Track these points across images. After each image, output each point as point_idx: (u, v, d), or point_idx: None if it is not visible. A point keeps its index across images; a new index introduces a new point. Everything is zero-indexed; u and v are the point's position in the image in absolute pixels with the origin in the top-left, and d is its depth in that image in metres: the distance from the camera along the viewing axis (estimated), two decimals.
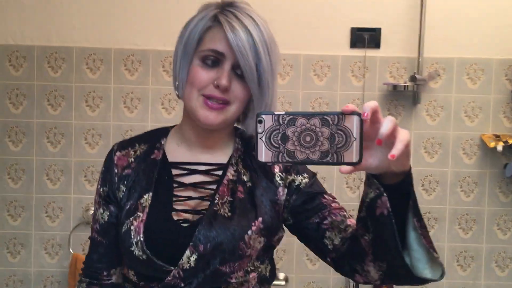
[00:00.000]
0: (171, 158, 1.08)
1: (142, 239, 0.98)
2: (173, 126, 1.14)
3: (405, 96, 2.14)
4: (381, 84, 2.13)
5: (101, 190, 1.10)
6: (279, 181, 1.05)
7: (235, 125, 1.12)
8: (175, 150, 1.09)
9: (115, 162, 1.09)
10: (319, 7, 2.13)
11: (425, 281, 0.85)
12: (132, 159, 1.09)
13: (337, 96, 2.14)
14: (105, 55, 2.13)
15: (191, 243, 0.97)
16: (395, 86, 2.09)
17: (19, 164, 2.14)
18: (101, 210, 1.10)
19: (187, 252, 0.97)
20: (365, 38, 2.12)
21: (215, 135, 1.07)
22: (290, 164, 0.92)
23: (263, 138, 0.75)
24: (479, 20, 2.12)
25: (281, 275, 2.16)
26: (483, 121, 2.14)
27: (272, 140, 0.75)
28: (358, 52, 2.13)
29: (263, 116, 0.75)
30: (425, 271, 0.85)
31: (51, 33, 2.13)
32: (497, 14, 2.12)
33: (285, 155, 0.75)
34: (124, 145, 1.12)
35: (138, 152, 1.10)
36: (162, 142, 1.10)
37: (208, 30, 1.01)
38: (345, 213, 1.02)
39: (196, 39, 1.01)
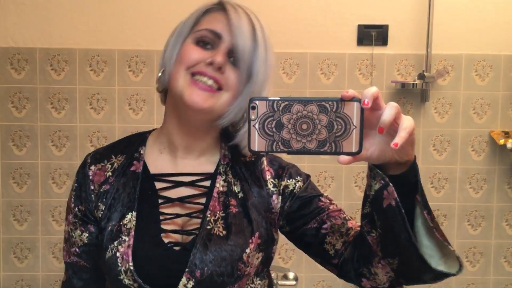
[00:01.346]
0: (152, 169, 0.98)
1: (131, 267, 0.89)
2: (150, 131, 1.05)
3: (413, 94, 2.12)
4: (389, 82, 2.11)
5: (76, 209, 0.98)
6: (272, 189, 0.98)
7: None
8: (156, 160, 0.99)
9: (91, 177, 0.98)
10: (325, 4, 2.10)
11: (441, 275, 0.79)
12: (110, 173, 0.98)
13: None
14: (109, 57, 2.09)
15: (187, 269, 0.89)
16: (403, 84, 2.07)
17: (23, 169, 2.11)
18: (79, 232, 0.98)
19: (183, 280, 0.89)
20: (372, 35, 2.09)
21: (202, 138, 0.99)
22: (285, 153, 0.89)
23: (256, 126, 0.70)
24: (487, 16, 2.10)
25: (291, 275, 2.16)
26: (491, 118, 2.13)
27: (266, 128, 0.70)
28: (365, 50, 2.11)
29: (256, 101, 0.70)
30: (439, 267, 0.79)
31: (52, 35, 2.09)
32: (505, 10, 2.09)
33: (279, 143, 0.70)
34: (98, 157, 1.01)
35: (115, 165, 0.99)
36: (141, 152, 1.00)
37: (208, 12, 0.96)
38: (345, 215, 0.97)
39: (194, 18, 0.96)
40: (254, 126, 0.70)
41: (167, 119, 1.00)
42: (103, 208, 0.96)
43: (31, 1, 2.08)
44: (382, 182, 0.76)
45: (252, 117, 0.70)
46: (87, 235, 0.98)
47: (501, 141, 2.06)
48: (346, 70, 2.12)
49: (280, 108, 0.70)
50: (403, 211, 0.76)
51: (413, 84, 2.05)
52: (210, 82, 0.91)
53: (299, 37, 2.10)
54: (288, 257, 2.17)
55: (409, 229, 0.76)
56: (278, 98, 0.70)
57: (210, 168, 1.00)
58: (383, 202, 0.77)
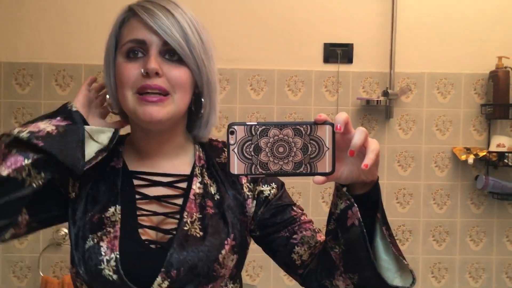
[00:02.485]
0: (131, 167, 0.99)
1: (118, 256, 0.89)
2: (127, 135, 1.05)
3: (378, 110, 2.16)
4: (355, 99, 2.15)
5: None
6: (247, 193, 1.00)
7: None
8: (134, 160, 1.00)
9: None
10: (292, 23, 2.14)
11: None
12: None
13: (311, 111, 2.14)
14: (75, 71, 2.08)
15: (163, 269, 0.89)
16: (368, 101, 2.11)
17: None
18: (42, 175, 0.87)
19: (158, 279, 0.88)
20: (338, 53, 2.14)
21: (169, 140, 0.98)
22: (264, 176, 0.90)
23: (236, 150, 0.73)
24: (448, 36, 2.17)
25: None
26: (454, 135, 2.19)
27: (244, 152, 0.73)
28: (331, 67, 2.15)
29: (235, 127, 0.73)
30: (396, 280, 0.84)
31: (18, 48, 2.07)
32: (465, 29, 2.17)
33: (258, 166, 0.73)
34: None
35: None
36: (120, 150, 1.00)
37: (123, 25, 0.94)
38: (314, 228, 1.00)
39: (114, 36, 0.94)
40: (233, 150, 0.73)
41: (132, 129, 1.01)
42: (75, 190, 0.95)
43: None
44: (348, 202, 0.81)
45: (231, 141, 0.73)
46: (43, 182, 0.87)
47: (463, 157, 2.11)
48: (312, 87, 2.15)
49: (258, 133, 0.73)
50: (364, 230, 0.81)
51: (377, 101, 2.10)
52: (155, 92, 0.90)
53: (266, 54, 2.14)
54: (256, 274, 2.16)
55: (369, 248, 0.81)
56: (256, 123, 0.73)
57: (186, 170, 1.00)
58: (347, 221, 0.82)
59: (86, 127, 0.91)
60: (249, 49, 2.12)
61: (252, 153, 0.73)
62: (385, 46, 2.15)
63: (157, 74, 0.89)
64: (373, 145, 0.76)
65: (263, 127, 0.73)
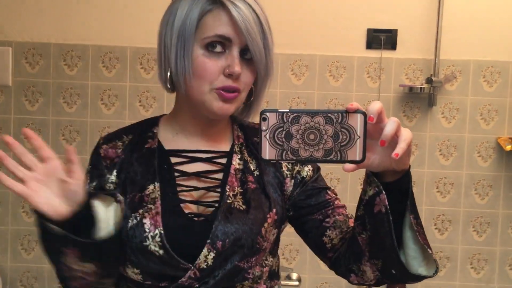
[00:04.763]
0: (167, 146, 1.01)
1: (162, 232, 0.91)
2: (160, 116, 1.07)
3: (421, 98, 2.13)
4: (397, 86, 2.12)
5: (88, 187, 0.99)
6: (286, 172, 1.02)
7: None
8: (171, 140, 1.02)
9: (102, 155, 1.00)
10: (335, 7, 2.13)
11: (419, 278, 0.87)
12: (121, 150, 1.00)
13: (352, 97, 2.13)
14: (121, 54, 2.13)
15: (209, 241, 0.91)
16: (411, 88, 2.08)
17: None
18: None
19: (204, 251, 0.91)
20: (382, 39, 2.11)
21: (215, 124, 1.02)
22: (294, 162, 0.92)
23: (267, 136, 0.75)
24: (496, 23, 2.11)
25: (294, 275, 2.16)
26: (499, 124, 2.13)
27: (276, 138, 0.75)
28: (374, 53, 2.13)
29: (267, 113, 0.75)
30: (420, 268, 0.86)
31: (67, 30, 2.13)
32: None
33: (289, 152, 0.75)
34: (110, 137, 1.03)
35: (126, 142, 1.01)
36: (155, 131, 1.02)
37: (208, 13, 0.92)
38: (347, 213, 1.02)
39: (195, 24, 0.91)
40: (265, 136, 0.75)
41: (180, 108, 1.02)
42: (113, 180, 0.99)
43: None
44: (376, 189, 0.83)
45: (263, 127, 0.75)
46: None
47: (508, 147, 2.06)
48: (354, 73, 2.14)
49: (289, 120, 0.74)
50: (390, 218, 0.82)
51: (420, 88, 2.07)
52: (234, 92, 0.94)
53: (309, 39, 2.13)
54: (292, 257, 2.18)
55: (393, 236, 0.83)
56: (287, 110, 0.75)
57: (225, 147, 1.03)
58: (374, 208, 0.84)
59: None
60: (290, 34, 2.12)
61: (283, 140, 0.75)
62: (430, 32, 2.10)
63: (238, 77, 0.93)
64: (405, 134, 0.76)
65: (295, 114, 0.74)
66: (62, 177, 0.83)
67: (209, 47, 0.92)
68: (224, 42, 0.92)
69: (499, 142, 2.11)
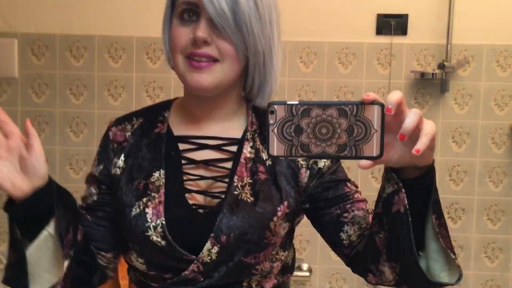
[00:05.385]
0: (176, 132, 0.97)
1: (164, 222, 0.88)
2: (174, 99, 1.04)
3: (432, 84, 2.08)
4: (408, 72, 2.08)
5: (95, 169, 0.99)
6: (301, 162, 0.95)
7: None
8: (180, 124, 0.98)
9: (111, 138, 0.99)
10: None
11: (440, 285, 0.79)
12: (130, 133, 0.98)
13: (362, 85, 2.09)
14: (127, 44, 2.10)
15: (212, 234, 0.88)
16: (422, 74, 2.04)
17: None
18: (92, 190, 0.98)
19: (208, 244, 0.88)
20: (392, 24, 2.06)
21: (221, 106, 0.96)
22: (305, 158, 0.86)
23: (275, 130, 0.69)
24: (509, 6, 2.05)
25: (305, 266, 2.14)
26: None
27: (284, 132, 0.69)
28: (384, 39, 2.08)
29: (275, 106, 0.69)
30: (442, 273, 0.79)
31: (72, 21, 2.11)
32: None
33: (299, 148, 0.69)
34: (121, 120, 1.01)
35: (136, 126, 0.99)
36: (166, 115, 0.99)
37: None
38: (367, 207, 0.95)
39: None
40: (273, 130, 0.70)
41: (184, 92, 1.00)
42: (120, 165, 0.96)
43: None
44: (395, 186, 0.76)
45: (271, 121, 0.69)
46: (97, 193, 0.98)
47: None
48: (364, 60, 2.09)
49: (299, 113, 0.69)
50: (410, 219, 0.76)
51: (432, 74, 2.02)
52: (203, 59, 0.88)
53: (317, 26, 2.09)
54: (303, 248, 2.16)
55: (412, 239, 0.76)
56: (297, 102, 0.69)
57: (237, 134, 0.97)
58: (392, 207, 0.77)
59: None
60: (298, 21, 2.08)
61: (293, 134, 0.69)
62: (442, 16, 2.05)
63: (205, 42, 0.86)
64: (428, 127, 0.69)
65: (305, 106, 0.69)
66: (23, 153, 0.80)
67: (184, 16, 0.89)
68: (193, 9, 0.88)
69: None
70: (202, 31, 0.86)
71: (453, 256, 0.78)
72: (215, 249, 0.88)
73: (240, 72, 0.92)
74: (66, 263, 0.85)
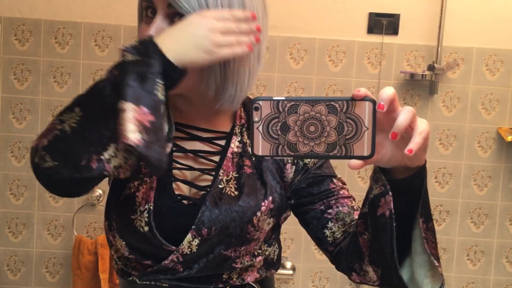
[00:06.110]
0: (173, 117, 0.91)
1: (152, 208, 0.86)
2: None
3: (422, 85, 2.08)
4: (398, 72, 2.07)
5: None
6: None
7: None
8: (173, 110, 0.91)
9: None
10: None
11: None
12: None
13: (352, 83, 2.08)
14: (115, 32, 2.06)
15: (193, 226, 0.86)
16: (412, 75, 2.04)
17: (23, 142, 2.08)
18: None
19: (188, 236, 0.86)
20: (383, 24, 2.06)
21: (203, 104, 0.90)
22: (292, 158, 0.82)
23: (260, 128, 0.65)
24: (500, 10, 2.06)
25: (288, 264, 2.13)
26: (500, 114, 2.09)
27: (270, 130, 0.65)
28: (375, 38, 2.07)
29: (260, 102, 0.64)
30: (425, 279, 0.76)
31: (58, 6, 2.05)
32: None
33: (285, 147, 0.65)
34: None
35: None
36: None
37: None
38: (353, 204, 0.93)
39: None
40: (257, 128, 0.65)
41: None
42: None
43: None
44: (383, 188, 0.72)
45: (256, 119, 0.65)
46: None
47: (509, 138, 2.02)
48: (354, 58, 2.08)
49: (286, 109, 0.64)
50: (394, 224, 0.72)
51: (422, 75, 2.02)
52: None
53: (308, 22, 2.07)
54: (287, 246, 2.14)
55: (394, 245, 0.73)
56: (284, 98, 0.64)
57: (226, 127, 0.95)
58: (378, 210, 0.74)
59: None
60: (289, 16, 2.06)
61: (279, 132, 0.65)
62: (433, 18, 2.05)
63: None
64: (422, 126, 0.66)
65: (292, 102, 0.64)
66: None
67: (148, 13, 0.84)
68: (152, 6, 0.82)
69: (500, 132, 2.07)
70: (151, 30, 0.80)
71: (436, 263, 0.74)
72: (195, 242, 0.87)
73: (202, 73, 0.84)
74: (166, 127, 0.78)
